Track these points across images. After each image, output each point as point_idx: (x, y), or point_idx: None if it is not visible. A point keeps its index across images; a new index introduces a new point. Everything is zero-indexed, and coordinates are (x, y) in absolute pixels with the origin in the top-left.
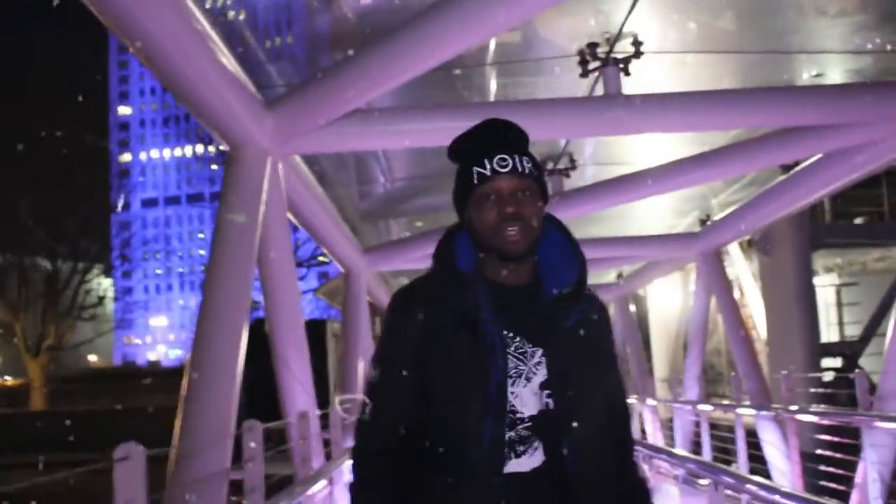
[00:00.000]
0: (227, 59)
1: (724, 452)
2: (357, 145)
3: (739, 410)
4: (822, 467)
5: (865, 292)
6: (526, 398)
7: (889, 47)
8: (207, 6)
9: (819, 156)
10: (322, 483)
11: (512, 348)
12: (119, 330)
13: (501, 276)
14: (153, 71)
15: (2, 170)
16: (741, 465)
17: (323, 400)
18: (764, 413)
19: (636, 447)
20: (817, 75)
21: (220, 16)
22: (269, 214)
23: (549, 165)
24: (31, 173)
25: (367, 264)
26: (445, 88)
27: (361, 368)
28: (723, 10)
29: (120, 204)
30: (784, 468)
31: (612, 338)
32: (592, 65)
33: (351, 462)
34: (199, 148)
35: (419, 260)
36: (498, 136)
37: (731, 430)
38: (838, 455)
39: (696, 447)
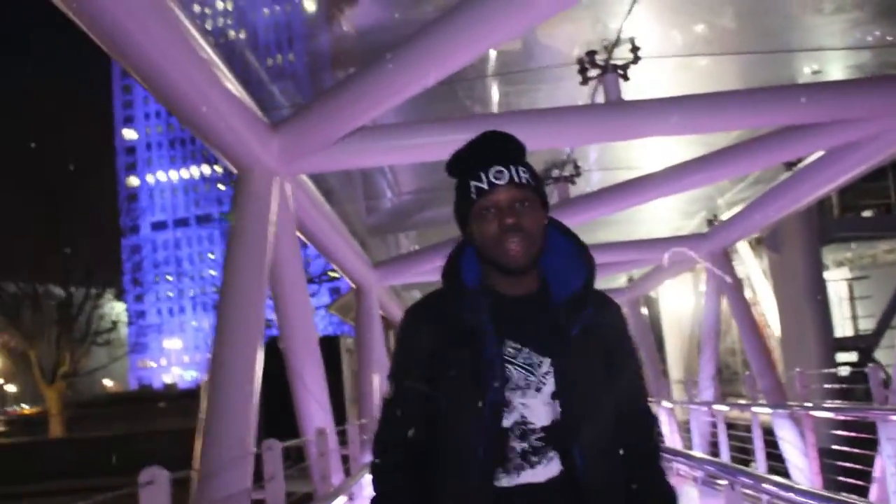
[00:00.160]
0: (232, 84)
1: (742, 452)
2: (363, 162)
3: (755, 409)
4: (840, 463)
5: (877, 285)
6: (537, 409)
7: (889, 38)
8: (208, 27)
9: (823, 152)
10: (342, 499)
11: (519, 360)
12: (133, 354)
13: (507, 288)
14: (159, 98)
15: (11, 198)
16: (759, 463)
17: (339, 416)
18: (780, 411)
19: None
20: (817, 72)
21: (220, 37)
22: (278, 234)
23: (555, 173)
24: (40, 200)
25: (378, 279)
26: (448, 101)
27: (377, 383)
28: (719, 13)
29: (129, 228)
30: (802, 465)
31: (628, 340)
32: (592, 72)
33: (371, 477)
34: (206, 169)
35: (429, 273)
36: (493, 149)
37: (748, 429)
38: (856, 450)
39: (714, 448)
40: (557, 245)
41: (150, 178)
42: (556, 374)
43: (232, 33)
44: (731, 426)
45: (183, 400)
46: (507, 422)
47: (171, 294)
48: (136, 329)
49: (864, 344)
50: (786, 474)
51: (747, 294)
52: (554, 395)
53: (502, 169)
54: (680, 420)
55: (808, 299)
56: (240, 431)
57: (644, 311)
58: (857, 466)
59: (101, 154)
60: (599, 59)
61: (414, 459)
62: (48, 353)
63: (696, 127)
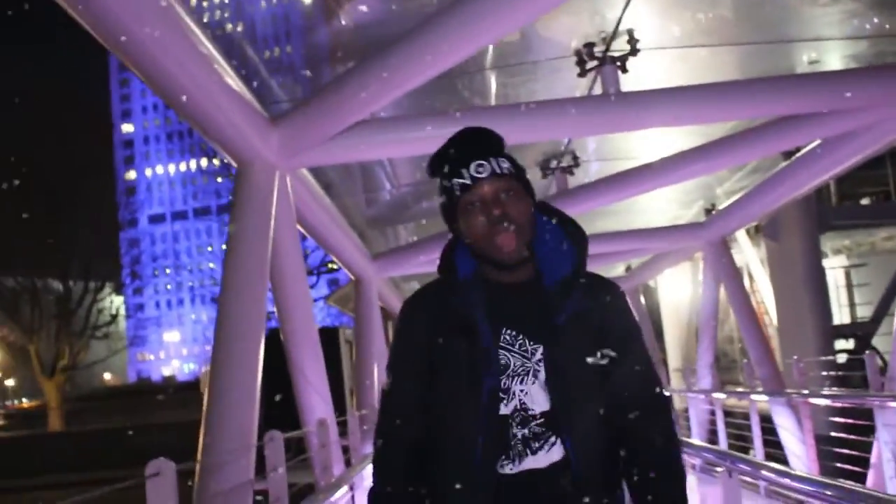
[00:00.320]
0: (232, 79)
1: (741, 440)
2: (362, 155)
3: (753, 397)
4: (838, 449)
5: (875, 273)
6: (535, 395)
7: (886, 28)
8: (205, 20)
9: (820, 141)
10: (344, 489)
11: (516, 347)
12: (132, 347)
13: (502, 276)
14: (158, 93)
15: (9, 193)
16: (757, 451)
17: (339, 407)
18: (777, 398)
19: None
20: (814, 62)
21: (218, 30)
22: (278, 227)
23: (553, 163)
24: (37, 195)
25: (377, 271)
26: (447, 94)
27: (376, 373)
28: (717, 3)
29: (127, 221)
30: (800, 452)
31: (628, 324)
32: (590, 64)
33: (371, 467)
34: (204, 162)
35: (428, 264)
36: (471, 144)
37: (746, 417)
38: (853, 436)
39: (712, 436)
40: (547, 229)
41: (147, 172)
42: (545, 361)
43: (230, 27)
44: (729, 414)
45: (182, 392)
46: (506, 409)
47: (169, 287)
48: (134, 322)
49: (861, 331)
50: (784, 461)
51: (745, 282)
52: (546, 382)
53: (483, 162)
54: (678, 408)
55: (806, 287)
56: (242, 423)
57: (642, 300)
58: (855, 453)
59: (99, 148)
60: (597, 51)
61: (413, 451)
62: (47, 346)
63: (695, 118)
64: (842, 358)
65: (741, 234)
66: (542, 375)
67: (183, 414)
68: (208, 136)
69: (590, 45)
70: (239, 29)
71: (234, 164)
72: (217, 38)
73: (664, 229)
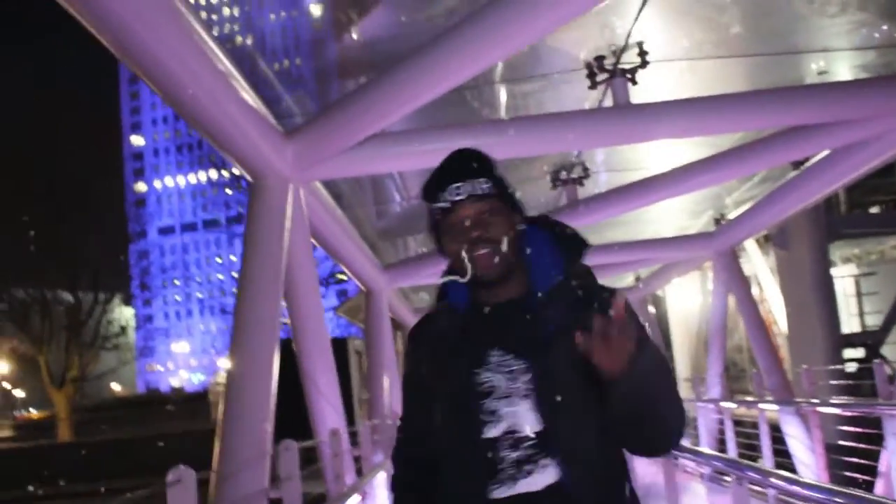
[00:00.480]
0: (247, 93)
1: (750, 448)
2: (375, 168)
3: (762, 406)
4: (847, 458)
5: (884, 281)
6: (525, 415)
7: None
8: (220, 34)
9: (829, 151)
10: (357, 498)
11: (503, 367)
12: (141, 358)
13: (492, 297)
14: (174, 107)
15: (18, 204)
16: (766, 460)
17: (348, 417)
18: (786, 407)
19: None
20: (823, 73)
21: (231, 43)
22: (292, 239)
23: (563, 175)
24: (47, 207)
25: (388, 282)
26: (458, 107)
27: (387, 384)
28: (725, 16)
29: (137, 233)
30: (809, 461)
31: (634, 328)
32: (600, 76)
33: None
34: (214, 173)
35: (437, 275)
36: (452, 167)
37: (755, 426)
38: (862, 445)
39: (721, 445)
40: (539, 243)
41: (157, 184)
42: (532, 378)
43: (245, 41)
44: (738, 423)
45: (191, 403)
46: (495, 431)
47: (178, 298)
48: (143, 333)
49: (871, 340)
50: (793, 470)
51: (754, 291)
52: (534, 401)
53: (460, 185)
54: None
55: (815, 296)
56: (257, 432)
57: (651, 309)
58: (864, 462)
59: (109, 160)
60: (608, 63)
61: (424, 472)
62: (57, 357)
63: (704, 129)
64: (851, 367)
65: (750, 243)
66: (533, 395)
67: (192, 424)
68: (223, 149)
69: (600, 58)
70: (253, 44)
71: (248, 177)
72: (232, 53)
73: (673, 239)
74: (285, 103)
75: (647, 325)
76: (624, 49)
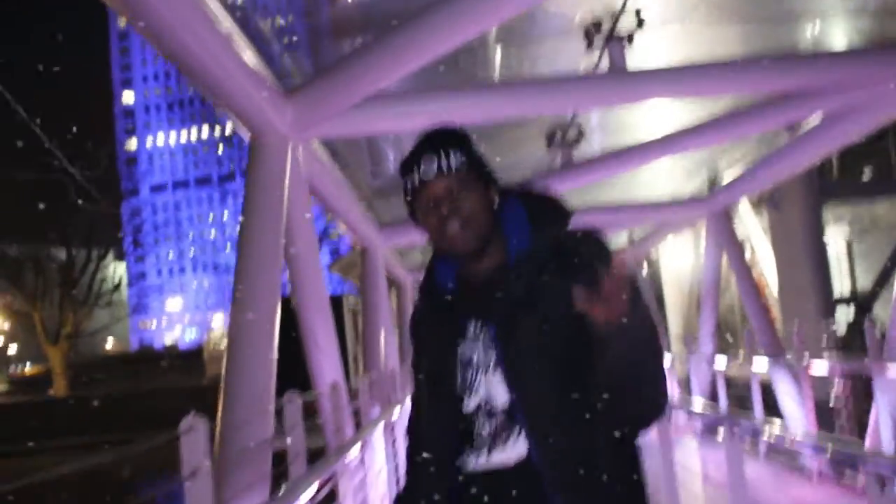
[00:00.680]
0: (248, 52)
1: (741, 405)
2: (374, 129)
3: (753, 363)
4: (837, 415)
5: (875, 244)
6: (497, 387)
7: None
8: None
9: (822, 116)
10: (357, 448)
11: (481, 339)
12: (135, 314)
13: (472, 269)
14: (175, 64)
15: (11, 163)
16: (757, 415)
17: (344, 374)
18: (777, 365)
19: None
20: (817, 39)
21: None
22: (291, 197)
23: (558, 136)
24: (38, 164)
25: (384, 240)
26: (455, 69)
27: (383, 340)
28: None
29: (129, 191)
30: (799, 417)
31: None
32: (597, 40)
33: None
34: (206, 131)
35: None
36: (423, 145)
37: (746, 385)
38: (851, 402)
39: (714, 402)
40: (515, 214)
41: (149, 141)
42: (495, 345)
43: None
44: (730, 382)
45: (185, 359)
46: (472, 403)
47: (171, 255)
48: (136, 290)
49: (861, 300)
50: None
51: (747, 252)
52: (501, 371)
53: (432, 161)
54: (680, 377)
55: (807, 258)
56: (260, 385)
57: (645, 267)
58: (853, 418)
59: (100, 117)
60: (605, 27)
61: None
62: (51, 314)
63: (699, 93)
64: (842, 327)
65: (743, 205)
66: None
67: (187, 380)
68: (223, 107)
69: (597, 22)
70: (253, 2)
71: (247, 135)
72: (233, 12)
73: (668, 201)
74: (284, 62)
75: (641, 285)
76: (621, 13)
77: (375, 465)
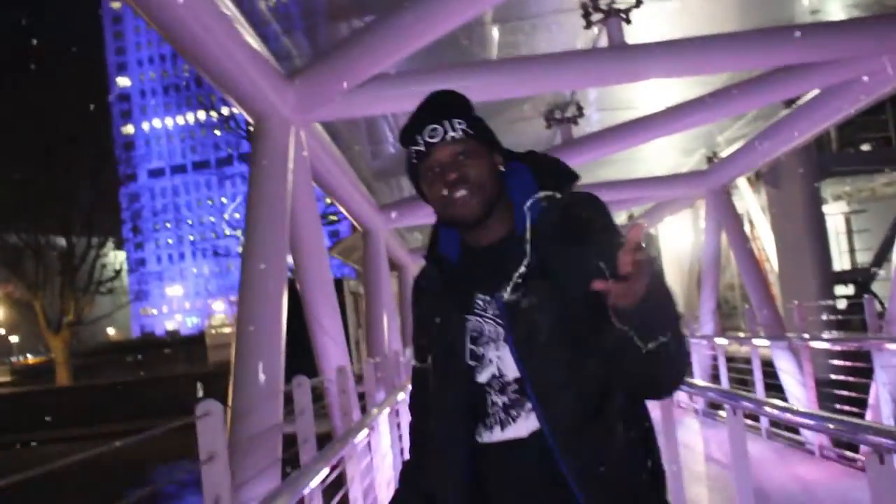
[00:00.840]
0: (251, 36)
1: (742, 384)
2: (375, 110)
3: (755, 341)
4: (837, 391)
5: (875, 218)
6: (507, 360)
7: None
8: None
9: (820, 90)
10: (365, 432)
11: (489, 311)
12: (135, 302)
13: (479, 239)
14: (180, 50)
15: (9, 150)
16: (758, 393)
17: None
18: (778, 343)
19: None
20: (815, 12)
21: None
22: (295, 181)
23: (557, 114)
24: (35, 151)
25: (385, 222)
26: (455, 48)
27: (386, 322)
28: None
29: (127, 176)
30: (800, 395)
31: (614, 237)
32: (595, 17)
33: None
34: (202, 115)
35: (434, 215)
36: (427, 110)
37: (747, 362)
38: (851, 379)
39: (715, 381)
40: (523, 181)
41: (145, 126)
42: (504, 317)
43: None
44: (731, 360)
45: (187, 346)
46: (483, 377)
47: (170, 241)
48: (137, 277)
49: (861, 277)
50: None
51: (746, 229)
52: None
53: (436, 126)
54: None
55: (806, 234)
56: (269, 370)
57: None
58: (853, 394)
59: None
60: (603, 3)
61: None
62: (52, 302)
63: (697, 69)
64: (842, 303)
65: (742, 181)
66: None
67: (190, 367)
68: (226, 91)
69: None
70: None
71: (250, 119)
72: None
73: (667, 177)
74: (285, 46)
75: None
76: None
77: (381, 448)
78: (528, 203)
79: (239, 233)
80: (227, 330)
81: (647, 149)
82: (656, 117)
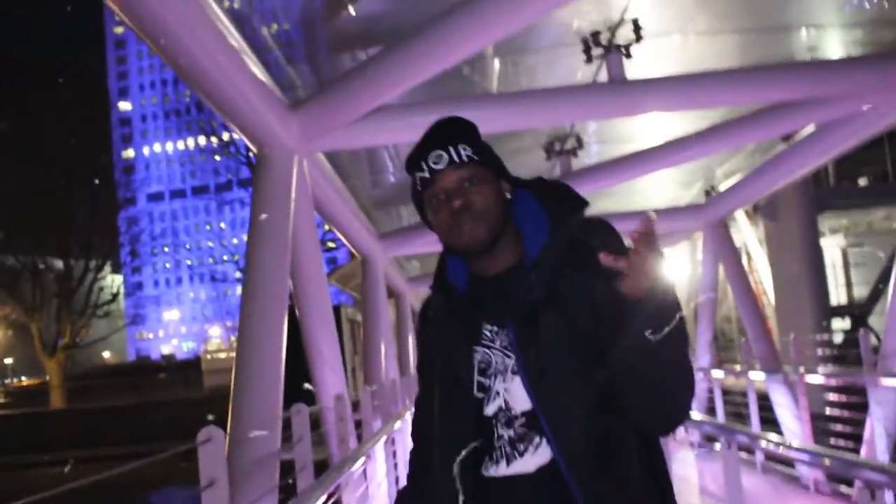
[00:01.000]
0: (256, 67)
1: (738, 416)
2: (378, 141)
3: (750, 374)
4: (832, 426)
5: (872, 252)
6: (516, 392)
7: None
8: (229, 7)
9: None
10: (362, 459)
11: (497, 342)
12: (132, 325)
13: (486, 269)
14: (184, 78)
15: (8, 172)
16: (754, 426)
17: None
18: (774, 376)
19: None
20: (812, 49)
21: (240, 16)
22: (297, 210)
23: (557, 146)
24: (36, 174)
25: (383, 250)
26: (458, 81)
27: (384, 350)
28: None
29: (126, 200)
30: (795, 428)
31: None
32: (596, 51)
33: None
34: (202, 140)
35: (433, 244)
36: (432, 136)
37: (743, 394)
38: (847, 413)
39: (711, 413)
40: (531, 208)
41: (146, 150)
42: (514, 351)
43: (253, 15)
44: (726, 392)
45: (181, 371)
46: (490, 409)
47: (168, 265)
48: (134, 301)
49: (857, 310)
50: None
51: (743, 261)
52: (521, 376)
53: (441, 153)
54: None
55: (803, 267)
56: (268, 397)
57: None
58: (848, 429)
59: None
60: (603, 38)
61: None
62: (48, 325)
63: (696, 104)
64: (838, 337)
65: (739, 214)
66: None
67: (186, 392)
68: (231, 121)
69: (595, 33)
70: (261, 17)
71: (254, 148)
72: (240, 26)
73: (665, 210)
74: (290, 76)
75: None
76: (619, 24)
77: (377, 477)
78: (537, 231)
79: (237, 258)
80: (222, 355)
81: (645, 181)
82: (655, 150)
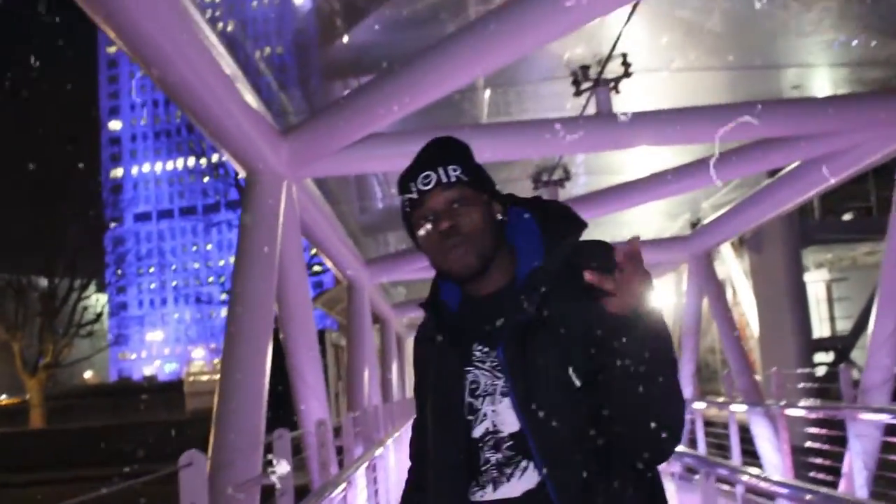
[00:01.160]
0: (248, 93)
1: (720, 448)
2: (367, 168)
3: (732, 407)
4: (812, 459)
5: (855, 287)
6: (504, 414)
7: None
8: (221, 31)
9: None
10: (342, 486)
11: (486, 364)
12: (115, 346)
13: (477, 289)
14: (177, 103)
15: None
16: (735, 459)
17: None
18: (755, 409)
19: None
20: (796, 87)
21: (232, 42)
22: (284, 234)
23: (545, 176)
24: (24, 191)
25: (370, 276)
26: (449, 110)
27: (367, 376)
28: (706, 31)
29: (113, 219)
30: (776, 461)
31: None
32: (585, 85)
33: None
34: (191, 161)
35: (419, 270)
36: (422, 158)
37: (725, 426)
38: (826, 447)
39: (692, 445)
40: (523, 226)
41: (134, 170)
42: (503, 371)
43: (245, 41)
44: (709, 424)
45: (164, 393)
46: (477, 432)
47: (153, 286)
48: (117, 321)
49: (840, 345)
50: (760, 469)
51: (728, 294)
52: (510, 398)
53: (430, 173)
54: None
55: (787, 300)
56: (251, 422)
57: None
58: (828, 463)
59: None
60: (592, 72)
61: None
62: (30, 343)
63: (682, 138)
64: (821, 370)
65: (725, 247)
66: (509, 392)
67: (168, 414)
68: (221, 145)
69: (585, 67)
70: (254, 43)
71: (243, 173)
72: (234, 51)
73: (650, 242)
74: (281, 102)
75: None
76: (608, 59)
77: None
78: (531, 251)
79: (223, 280)
80: (205, 378)
81: (632, 212)
82: (642, 182)
